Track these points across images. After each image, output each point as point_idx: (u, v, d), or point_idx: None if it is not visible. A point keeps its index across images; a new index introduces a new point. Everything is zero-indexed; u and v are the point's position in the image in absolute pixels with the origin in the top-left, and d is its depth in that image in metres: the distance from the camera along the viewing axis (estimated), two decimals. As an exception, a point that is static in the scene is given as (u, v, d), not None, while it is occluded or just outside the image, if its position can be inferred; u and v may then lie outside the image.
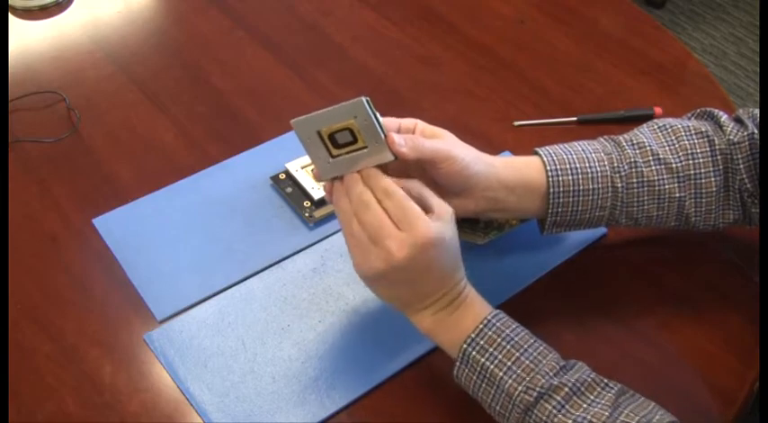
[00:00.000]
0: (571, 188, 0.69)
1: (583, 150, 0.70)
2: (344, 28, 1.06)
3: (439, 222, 0.60)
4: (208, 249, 0.79)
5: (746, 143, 0.69)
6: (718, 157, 0.69)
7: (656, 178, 0.69)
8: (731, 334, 0.73)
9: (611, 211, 0.70)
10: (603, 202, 0.70)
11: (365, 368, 0.69)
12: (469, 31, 1.06)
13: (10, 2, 1.07)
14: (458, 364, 0.63)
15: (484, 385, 0.61)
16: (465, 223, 0.74)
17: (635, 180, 0.69)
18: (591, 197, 0.69)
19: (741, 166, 0.69)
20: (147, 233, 0.80)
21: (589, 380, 0.59)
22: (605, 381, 0.60)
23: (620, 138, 0.71)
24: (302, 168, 0.84)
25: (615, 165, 0.69)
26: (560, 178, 0.68)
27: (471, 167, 0.65)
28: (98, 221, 0.81)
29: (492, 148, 0.89)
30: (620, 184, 0.69)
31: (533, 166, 0.69)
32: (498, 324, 0.62)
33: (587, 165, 0.69)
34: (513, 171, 0.69)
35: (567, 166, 0.69)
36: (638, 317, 0.74)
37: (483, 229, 0.75)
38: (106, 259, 0.78)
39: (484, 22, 1.08)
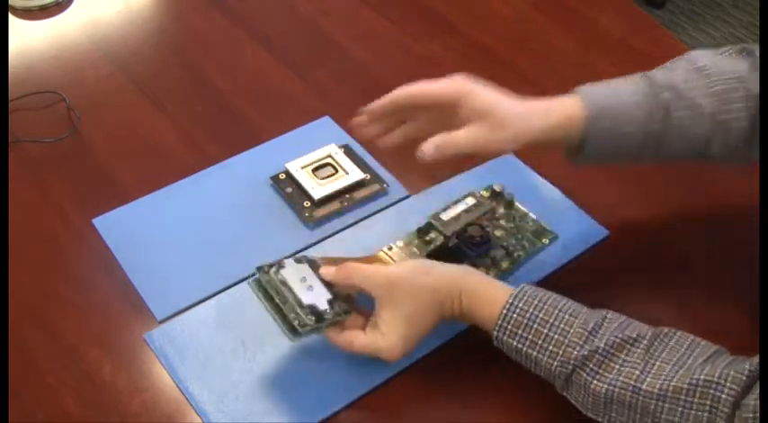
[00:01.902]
0: (607, 134, 0.69)
1: (623, 93, 0.70)
2: (344, 28, 1.06)
3: (381, 334, 0.65)
4: (208, 249, 0.79)
5: None
6: (752, 103, 0.69)
7: (688, 123, 0.69)
8: (731, 335, 0.73)
9: (638, 153, 0.71)
10: (634, 146, 0.70)
11: (365, 368, 0.69)
12: (469, 31, 1.06)
13: (10, 2, 1.07)
14: (496, 344, 0.65)
15: (524, 360, 0.65)
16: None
17: (667, 125, 0.69)
18: (625, 142, 0.70)
19: None
20: (147, 233, 0.80)
21: (618, 340, 0.61)
22: (634, 335, 0.61)
23: (657, 77, 0.71)
24: (302, 168, 0.84)
25: (651, 111, 0.69)
26: (598, 124, 0.69)
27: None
28: (98, 221, 0.81)
29: (492, 148, 0.89)
30: (653, 128, 0.69)
31: (571, 116, 0.69)
32: (521, 305, 0.63)
33: (626, 111, 0.69)
34: (549, 127, 0.69)
35: (606, 112, 0.69)
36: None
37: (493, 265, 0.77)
38: (106, 259, 0.78)
39: (484, 22, 1.07)
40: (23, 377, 0.69)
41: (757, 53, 0.71)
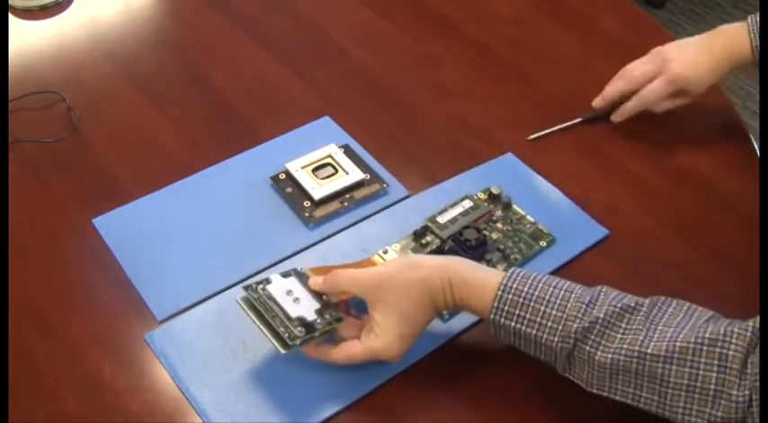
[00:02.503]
0: None
1: None
2: (344, 28, 1.06)
3: (374, 335, 0.65)
4: (208, 249, 0.79)
5: None
6: None
7: None
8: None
9: None
10: None
11: (366, 368, 0.69)
12: (469, 31, 1.06)
13: (10, 2, 1.07)
14: (493, 330, 0.65)
15: (523, 342, 0.63)
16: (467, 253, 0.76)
17: None
18: None
19: None
20: (147, 233, 0.80)
21: (617, 309, 0.60)
22: (632, 304, 0.61)
23: None
24: (302, 168, 0.84)
25: None
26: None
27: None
28: (98, 221, 0.81)
29: (491, 148, 0.89)
30: None
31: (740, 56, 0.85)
32: (515, 285, 0.63)
33: None
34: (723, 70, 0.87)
35: None
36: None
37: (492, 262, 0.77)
38: (106, 259, 0.78)
39: (484, 22, 1.07)
40: (23, 377, 0.69)
41: None
